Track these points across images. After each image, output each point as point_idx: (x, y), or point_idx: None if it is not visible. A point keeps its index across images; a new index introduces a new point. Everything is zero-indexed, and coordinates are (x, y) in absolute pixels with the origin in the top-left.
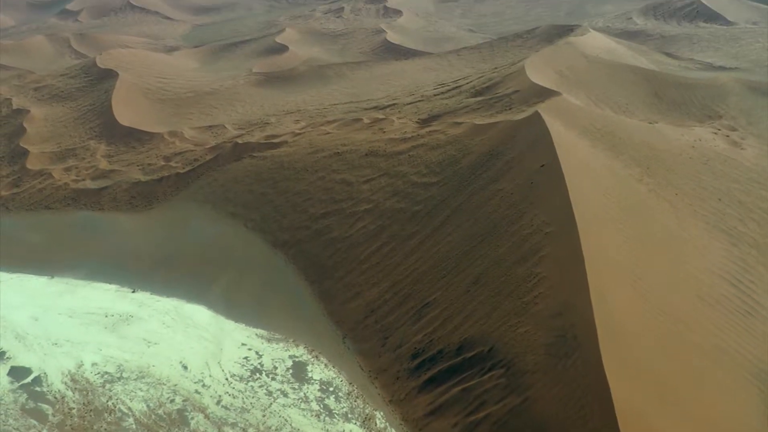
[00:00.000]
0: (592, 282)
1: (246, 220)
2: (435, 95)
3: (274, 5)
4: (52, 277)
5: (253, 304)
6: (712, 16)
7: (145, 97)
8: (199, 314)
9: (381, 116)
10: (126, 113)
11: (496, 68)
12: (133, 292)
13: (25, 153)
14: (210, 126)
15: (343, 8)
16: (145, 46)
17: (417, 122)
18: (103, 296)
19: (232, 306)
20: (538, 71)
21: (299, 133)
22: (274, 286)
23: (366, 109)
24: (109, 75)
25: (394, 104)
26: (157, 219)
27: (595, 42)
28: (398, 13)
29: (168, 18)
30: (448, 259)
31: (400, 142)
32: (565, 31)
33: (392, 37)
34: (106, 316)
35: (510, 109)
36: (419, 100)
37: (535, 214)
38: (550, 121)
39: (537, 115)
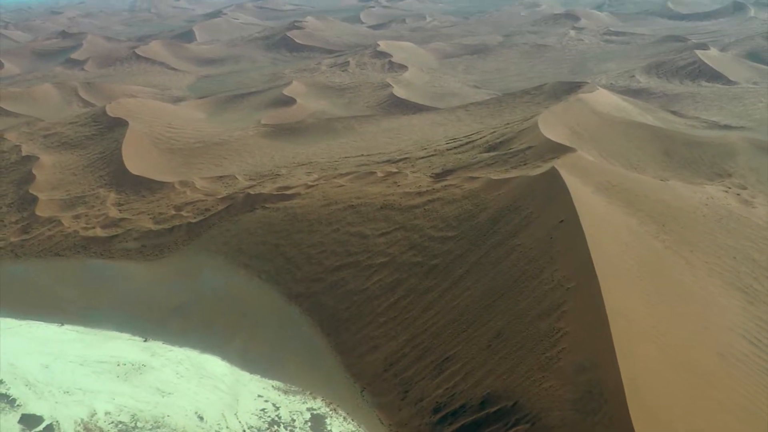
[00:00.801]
0: (617, 338)
1: (259, 272)
2: (448, 150)
3: (277, 58)
4: (62, 324)
5: (269, 355)
6: (714, 76)
7: (155, 146)
8: (214, 365)
9: (394, 170)
10: (136, 162)
11: (507, 124)
12: (144, 341)
13: (34, 200)
14: (221, 176)
15: (348, 62)
16: (152, 96)
17: (431, 176)
18: (115, 345)
19: (247, 357)
20: (550, 127)
21: (312, 185)
22: (290, 338)
23: (378, 162)
24: (119, 124)
25: (406, 158)
26: (169, 268)
27: (604, 99)
28: (403, 68)
29: (173, 69)
30: (468, 314)
31: (415, 196)
32: (572, 87)
33: (399, 91)
34: (118, 365)
35: (525, 164)
36: (432, 155)
37: (556, 269)
38: (567, 177)
39: (554, 171)
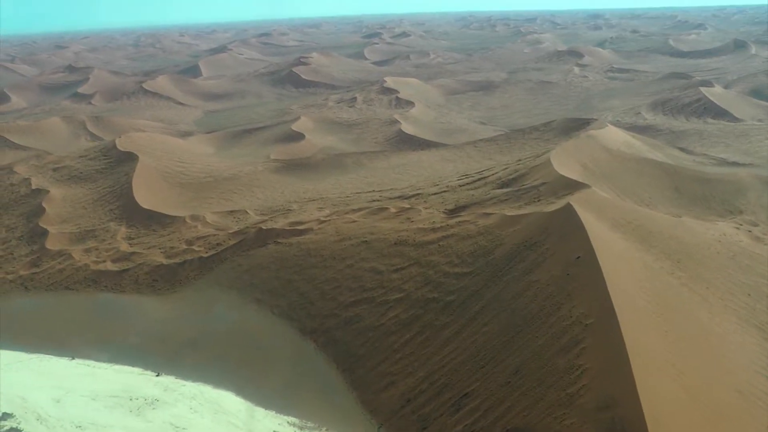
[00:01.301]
0: (638, 375)
1: (272, 306)
2: (460, 186)
3: (283, 93)
4: (73, 358)
5: (284, 391)
6: (719, 113)
7: (165, 180)
8: (228, 400)
9: (407, 206)
10: (146, 196)
11: (519, 160)
12: (157, 375)
13: (44, 233)
14: (231, 211)
15: (355, 98)
16: (159, 131)
17: (444, 212)
18: (127, 379)
19: (261, 392)
20: (563, 164)
21: (324, 221)
22: (305, 374)
23: (390, 198)
24: (129, 158)
25: (418, 194)
26: (181, 303)
27: (614, 136)
28: (410, 104)
29: (180, 103)
30: (486, 350)
31: (429, 232)
32: (581, 124)
33: (406, 127)
34: (131, 400)
35: (538, 200)
36: (444, 191)
37: (573, 305)
38: (582, 214)
39: (569, 207)
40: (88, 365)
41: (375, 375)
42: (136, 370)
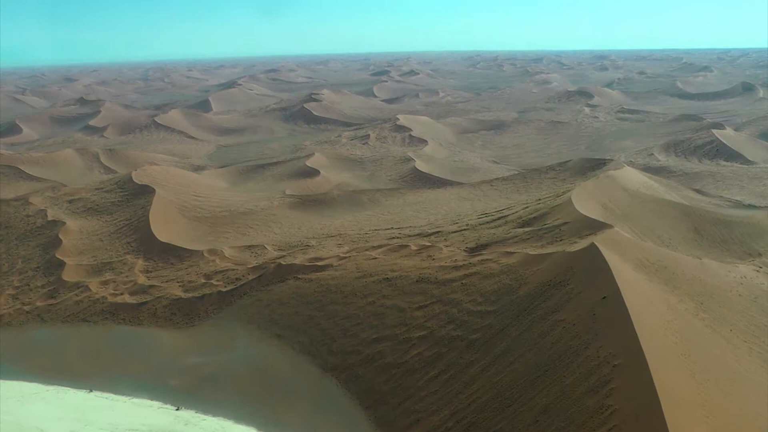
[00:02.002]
0: (669, 417)
1: (293, 343)
2: (480, 224)
3: (295, 129)
4: (91, 390)
5: (306, 428)
6: (732, 155)
7: (182, 214)
8: None
9: (428, 243)
10: (163, 229)
11: (539, 200)
12: (177, 409)
13: (61, 264)
14: (249, 246)
15: (368, 135)
16: (172, 164)
17: (466, 251)
18: (146, 413)
19: (283, 429)
20: (583, 203)
21: (344, 257)
22: (327, 411)
23: (410, 236)
24: (145, 191)
25: (438, 232)
26: (200, 337)
27: (632, 176)
28: (423, 142)
29: (192, 137)
30: (513, 389)
31: (452, 270)
32: (597, 164)
33: (421, 165)
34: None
35: (561, 240)
36: (464, 229)
37: (601, 345)
38: (606, 253)
39: (594, 247)
40: (106, 398)
41: (399, 413)
42: (156, 403)
